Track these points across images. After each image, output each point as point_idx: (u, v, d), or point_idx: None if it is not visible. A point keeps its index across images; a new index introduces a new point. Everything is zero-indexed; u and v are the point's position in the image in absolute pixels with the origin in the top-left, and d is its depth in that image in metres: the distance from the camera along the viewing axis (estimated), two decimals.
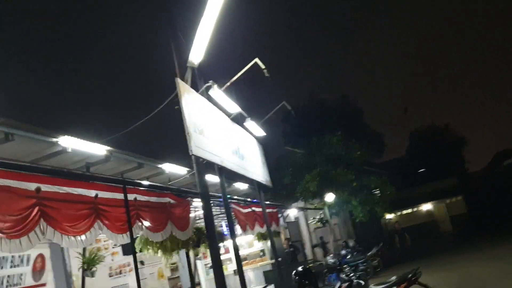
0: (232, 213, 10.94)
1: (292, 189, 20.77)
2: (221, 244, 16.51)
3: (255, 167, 11.37)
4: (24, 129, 7.40)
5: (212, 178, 14.77)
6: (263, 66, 8.96)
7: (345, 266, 19.44)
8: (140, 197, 6.58)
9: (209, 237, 7.75)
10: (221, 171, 8.79)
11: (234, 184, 16.67)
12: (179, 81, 7.45)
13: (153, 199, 6.98)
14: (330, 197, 18.72)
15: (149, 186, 7.11)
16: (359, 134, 36.22)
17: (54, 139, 7.75)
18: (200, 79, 8.80)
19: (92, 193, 5.50)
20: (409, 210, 33.46)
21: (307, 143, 22.20)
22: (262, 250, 18.00)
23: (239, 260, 8.65)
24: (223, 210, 13.50)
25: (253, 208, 11.87)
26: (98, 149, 8.63)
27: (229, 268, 16.84)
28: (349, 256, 20.71)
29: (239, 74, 8.93)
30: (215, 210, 12.68)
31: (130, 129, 8.73)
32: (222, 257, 16.78)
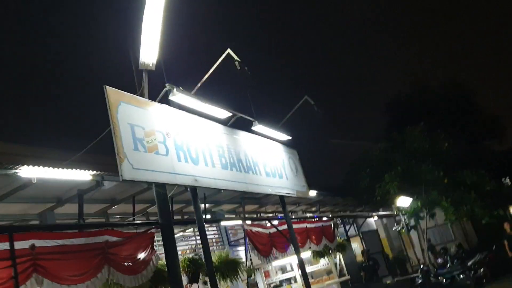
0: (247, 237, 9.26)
1: (374, 193, 18.28)
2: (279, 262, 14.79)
3: (276, 179, 9.54)
4: None
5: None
6: (236, 58, 7.22)
7: (440, 278, 16.53)
8: (48, 242, 5.25)
9: (172, 278, 6.21)
10: (195, 192, 7.20)
11: None
12: (108, 89, 6.05)
13: (75, 240, 5.63)
14: (404, 201, 15.96)
15: (53, 227, 5.76)
16: (470, 120, 32.00)
17: (11, 171, 6.76)
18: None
19: None
20: None
21: (390, 138, 19.55)
22: (339, 265, 15.87)
23: None
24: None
25: (279, 227, 10.00)
26: (81, 175, 7.55)
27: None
28: (448, 265, 17.65)
29: (211, 71, 7.28)
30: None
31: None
32: (284, 276, 15.18)
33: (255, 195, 12.55)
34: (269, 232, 9.77)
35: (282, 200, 9.86)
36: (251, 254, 9.16)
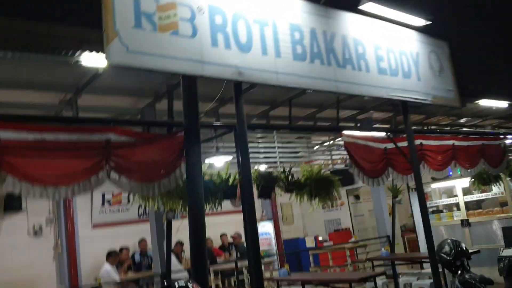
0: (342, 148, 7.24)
1: None
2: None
3: (397, 78, 7.09)
4: None
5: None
6: None
7: None
8: (19, 134, 4.43)
9: (191, 198, 4.91)
10: (239, 89, 5.49)
11: (478, 101, 11.78)
12: None
13: (63, 136, 4.62)
14: None
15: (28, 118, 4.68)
16: None
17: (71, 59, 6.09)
18: None
19: None
20: None
21: None
22: None
23: None
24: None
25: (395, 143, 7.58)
26: None
27: (455, 216, 12.40)
28: None
29: None
30: None
31: None
32: (447, 201, 12.61)
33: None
34: (385, 148, 7.54)
35: (404, 107, 7.41)
36: (354, 172, 7.17)
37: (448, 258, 4.58)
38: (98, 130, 4.89)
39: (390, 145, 7.52)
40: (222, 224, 13.07)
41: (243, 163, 5.33)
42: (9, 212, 10.67)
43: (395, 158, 7.54)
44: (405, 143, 7.41)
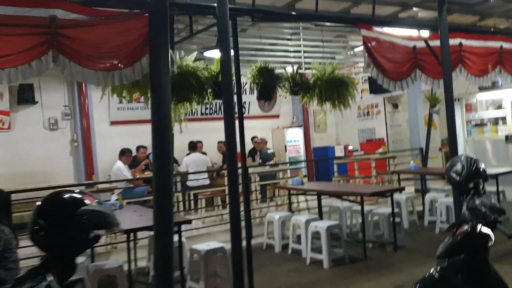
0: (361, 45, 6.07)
1: None
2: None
3: None
4: None
5: None
6: None
7: None
8: None
9: (156, 98, 4.11)
10: None
11: None
12: None
13: None
14: None
15: None
16: None
17: None
18: None
19: None
20: None
21: None
22: None
23: None
24: None
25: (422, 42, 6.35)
26: None
27: (500, 130, 11.15)
28: None
29: None
30: None
31: None
32: (492, 113, 11.35)
33: None
34: (414, 46, 6.35)
35: None
36: (373, 73, 6.10)
37: (458, 178, 3.68)
38: (40, 4, 4.06)
39: (421, 44, 6.32)
40: (253, 128, 12.34)
41: (223, 55, 4.44)
42: (23, 105, 10.41)
43: (426, 59, 6.38)
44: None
